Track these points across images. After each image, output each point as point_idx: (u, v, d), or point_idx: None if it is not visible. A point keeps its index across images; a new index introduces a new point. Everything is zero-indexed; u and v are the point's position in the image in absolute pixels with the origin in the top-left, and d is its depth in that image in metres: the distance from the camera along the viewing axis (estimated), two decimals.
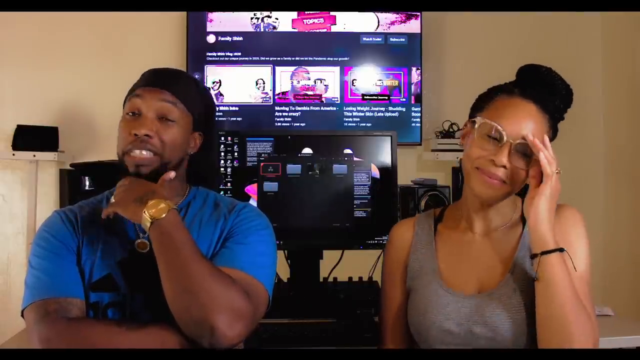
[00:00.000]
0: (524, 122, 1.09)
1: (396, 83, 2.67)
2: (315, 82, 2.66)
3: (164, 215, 1.02)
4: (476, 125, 1.12)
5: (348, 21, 2.66)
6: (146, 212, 1.02)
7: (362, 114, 2.67)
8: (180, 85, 1.16)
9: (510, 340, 1.07)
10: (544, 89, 1.14)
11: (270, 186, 1.60)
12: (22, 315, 1.06)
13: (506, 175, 1.09)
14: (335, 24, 2.66)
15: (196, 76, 2.57)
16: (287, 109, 2.65)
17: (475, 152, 1.11)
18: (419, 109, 2.67)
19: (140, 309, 1.09)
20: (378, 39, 2.67)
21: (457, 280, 1.15)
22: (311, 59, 2.65)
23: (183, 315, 0.98)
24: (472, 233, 1.20)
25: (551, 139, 1.12)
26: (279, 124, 2.64)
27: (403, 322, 1.21)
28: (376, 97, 2.67)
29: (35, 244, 1.12)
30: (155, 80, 1.15)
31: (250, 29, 2.64)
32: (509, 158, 1.08)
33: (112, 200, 1.07)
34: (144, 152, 1.10)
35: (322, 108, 2.66)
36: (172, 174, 1.11)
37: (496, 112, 1.11)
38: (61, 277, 1.08)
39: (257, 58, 2.64)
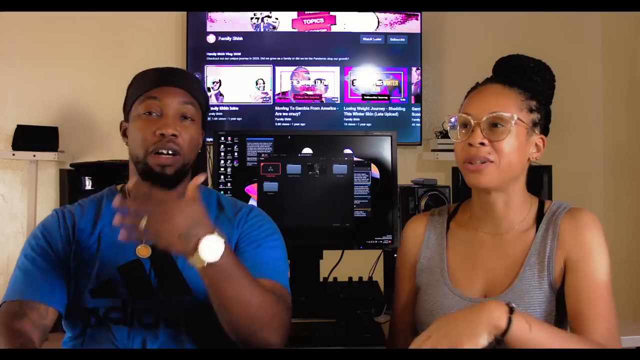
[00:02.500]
0: (489, 99, 1.10)
1: (396, 83, 2.67)
2: (315, 82, 2.66)
3: (220, 254, 0.92)
4: (448, 126, 1.14)
5: (348, 21, 2.66)
6: (200, 254, 0.91)
7: (362, 114, 2.67)
8: (190, 82, 1.17)
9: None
10: (515, 71, 1.14)
11: (270, 186, 1.60)
12: None
13: (488, 153, 1.07)
14: (335, 24, 2.66)
15: (196, 76, 2.58)
16: (287, 109, 2.65)
17: (456, 148, 1.12)
18: (419, 109, 2.67)
19: (142, 313, 1.09)
20: (378, 39, 2.67)
21: (465, 281, 1.14)
22: (311, 59, 2.65)
23: (242, 336, 1.01)
24: (483, 233, 1.16)
25: (540, 121, 1.11)
26: (279, 124, 2.64)
27: (411, 318, 1.21)
28: (376, 97, 2.67)
29: (28, 242, 1.13)
30: (169, 79, 1.14)
31: (250, 29, 2.64)
32: (484, 135, 1.07)
33: (143, 224, 0.88)
34: (170, 153, 1.09)
35: (322, 108, 2.66)
36: (203, 177, 0.99)
37: (465, 105, 1.13)
38: (38, 281, 1.08)
39: (257, 58, 2.64)
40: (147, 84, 1.14)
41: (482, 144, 1.07)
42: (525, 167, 1.13)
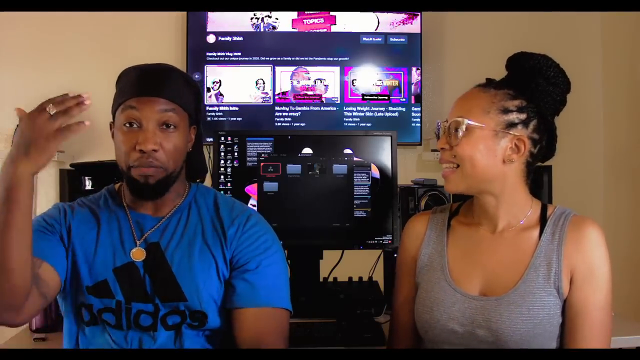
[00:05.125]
0: (458, 105, 1.13)
1: (396, 83, 2.67)
2: (315, 82, 2.66)
3: None
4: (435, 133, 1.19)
5: (348, 21, 2.66)
6: None
7: (362, 114, 2.66)
8: (172, 86, 1.12)
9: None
10: (510, 68, 1.16)
11: (270, 186, 1.60)
12: None
13: (453, 156, 1.10)
14: (335, 24, 2.66)
15: (196, 76, 2.58)
16: (287, 109, 2.65)
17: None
18: (419, 109, 2.67)
19: (138, 315, 1.09)
20: (378, 39, 2.67)
21: (464, 278, 1.13)
22: (311, 59, 2.65)
23: None
24: (483, 230, 1.17)
25: (524, 120, 1.09)
26: (279, 124, 2.64)
27: (410, 316, 1.20)
28: (376, 97, 2.67)
29: None
30: (147, 87, 1.10)
31: (250, 29, 2.64)
32: (448, 140, 1.11)
33: None
34: (151, 168, 1.09)
35: (322, 108, 2.66)
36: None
37: None
38: (39, 242, 1.05)
39: (257, 58, 2.64)
40: (127, 90, 1.11)
41: (443, 148, 1.12)
42: (501, 169, 1.10)
